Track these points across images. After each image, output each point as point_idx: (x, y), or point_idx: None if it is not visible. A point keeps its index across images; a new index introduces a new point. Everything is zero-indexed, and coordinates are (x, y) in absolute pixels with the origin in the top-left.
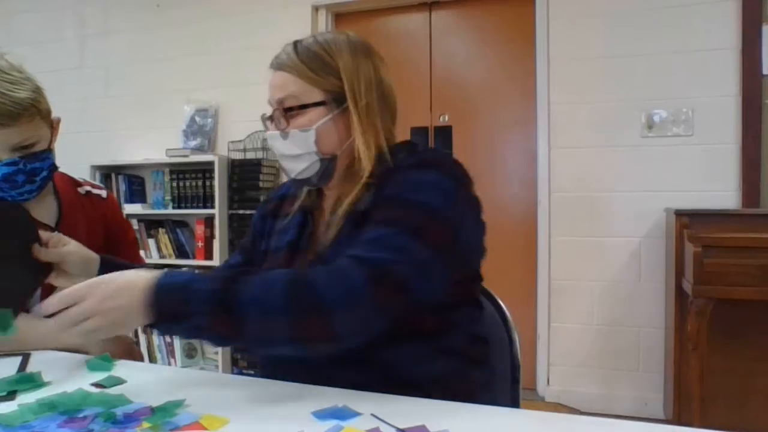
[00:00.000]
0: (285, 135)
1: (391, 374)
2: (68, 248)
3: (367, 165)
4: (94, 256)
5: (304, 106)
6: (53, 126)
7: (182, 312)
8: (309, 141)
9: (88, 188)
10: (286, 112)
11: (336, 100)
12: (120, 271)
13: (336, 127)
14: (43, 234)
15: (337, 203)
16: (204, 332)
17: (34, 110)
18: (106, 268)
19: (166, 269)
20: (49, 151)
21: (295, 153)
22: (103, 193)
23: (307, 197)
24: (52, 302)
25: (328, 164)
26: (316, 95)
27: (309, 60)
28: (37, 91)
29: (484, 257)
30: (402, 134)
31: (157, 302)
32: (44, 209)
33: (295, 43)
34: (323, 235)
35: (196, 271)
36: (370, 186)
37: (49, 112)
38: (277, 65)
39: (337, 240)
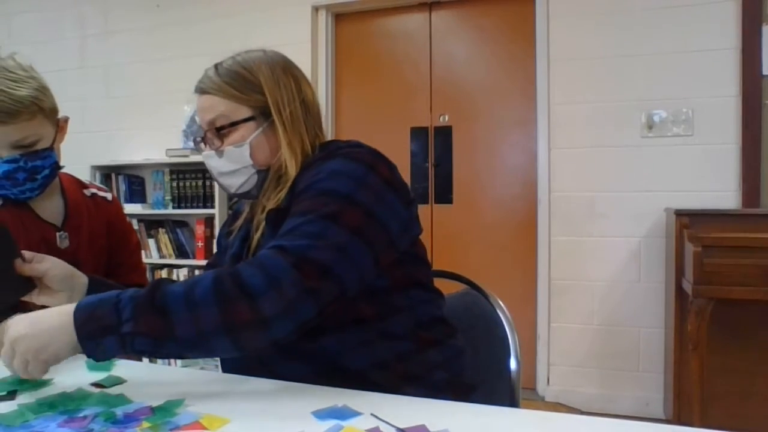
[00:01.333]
0: (220, 153)
1: (334, 364)
2: (48, 264)
3: (292, 171)
4: (78, 273)
5: (234, 124)
6: (59, 125)
7: (110, 323)
8: (244, 155)
9: (94, 191)
10: (219, 131)
11: (263, 114)
12: (41, 311)
13: (267, 139)
14: (26, 253)
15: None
16: (135, 339)
17: (36, 108)
18: (94, 287)
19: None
20: (51, 150)
21: (232, 168)
22: (108, 196)
23: (249, 211)
24: None
25: (264, 176)
26: (244, 112)
27: (231, 80)
28: (41, 89)
29: (419, 234)
30: (402, 134)
31: (84, 319)
32: (50, 208)
33: (216, 66)
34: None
35: (120, 289)
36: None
37: (54, 111)
38: (202, 89)
39: (261, 241)
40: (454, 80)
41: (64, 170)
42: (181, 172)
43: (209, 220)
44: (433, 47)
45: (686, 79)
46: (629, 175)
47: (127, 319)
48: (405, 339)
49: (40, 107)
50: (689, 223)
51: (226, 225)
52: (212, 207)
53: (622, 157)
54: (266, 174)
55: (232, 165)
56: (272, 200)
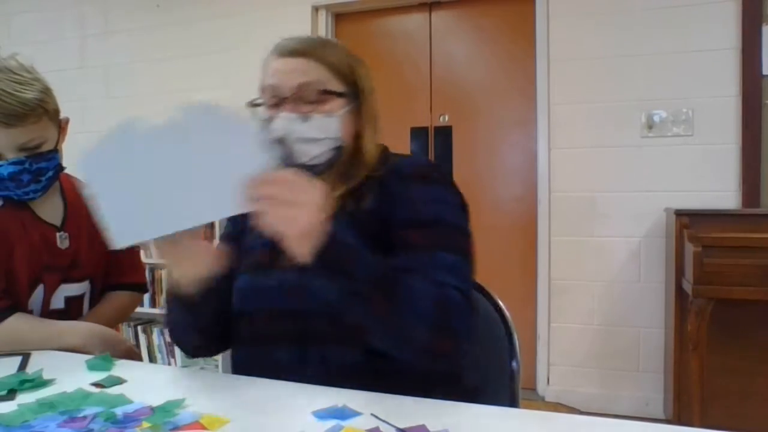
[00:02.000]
0: (306, 118)
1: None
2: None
3: (371, 162)
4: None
5: (330, 92)
6: (61, 126)
7: (350, 270)
8: (333, 126)
9: None
10: (305, 95)
11: (353, 94)
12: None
13: (350, 120)
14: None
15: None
16: (356, 298)
17: (41, 111)
18: None
19: None
20: (55, 152)
21: (317, 137)
22: None
23: None
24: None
25: (338, 156)
26: (338, 86)
27: (332, 52)
28: (46, 91)
29: None
30: (402, 134)
31: (330, 250)
32: (50, 209)
33: (311, 36)
34: None
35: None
36: (367, 184)
37: (57, 112)
38: (298, 51)
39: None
40: (454, 80)
41: (65, 170)
42: None
43: None
44: (433, 47)
45: (686, 79)
46: (629, 175)
47: (365, 281)
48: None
49: (46, 109)
50: (689, 223)
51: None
52: None
53: (622, 157)
54: (339, 154)
55: (318, 133)
56: (345, 186)
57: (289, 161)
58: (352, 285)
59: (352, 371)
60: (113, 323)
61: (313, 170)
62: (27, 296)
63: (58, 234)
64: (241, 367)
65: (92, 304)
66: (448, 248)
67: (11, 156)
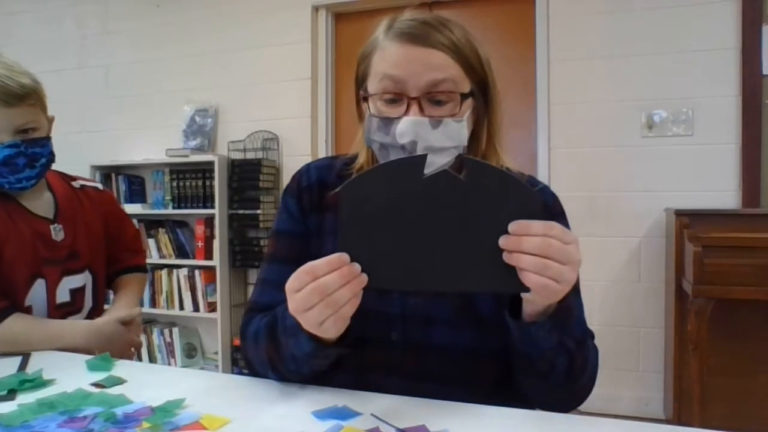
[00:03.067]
0: (436, 123)
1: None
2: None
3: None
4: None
5: (467, 96)
6: (49, 122)
7: (565, 329)
8: (462, 133)
9: (83, 182)
10: (436, 93)
11: (480, 92)
12: None
13: (476, 122)
14: None
15: None
16: (563, 352)
17: (36, 97)
18: None
19: None
20: (48, 139)
21: (446, 145)
22: (99, 186)
23: None
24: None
25: (455, 163)
26: (468, 85)
27: (464, 45)
28: (37, 82)
29: None
30: None
31: (565, 309)
32: (40, 203)
33: (444, 22)
34: None
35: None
36: None
37: (46, 106)
38: (432, 42)
39: None
40: None
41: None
42: (181, 172)
43: (209, 220)
44: None
45: (686, 79)
46: (629, 175)
47: (574, 337)
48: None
49: (39, 97)
50: (689, 223)
51: (300, 202)
52: (212, 207)
53: (622, 157)
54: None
55: (447, 141)
56: None
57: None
58: (565, 339)
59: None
60: (137, 304)
61: None
62: (24, 293)
63: (51, 226)
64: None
65: (94, 294)
66: (577, 292)
67: (7, 139)
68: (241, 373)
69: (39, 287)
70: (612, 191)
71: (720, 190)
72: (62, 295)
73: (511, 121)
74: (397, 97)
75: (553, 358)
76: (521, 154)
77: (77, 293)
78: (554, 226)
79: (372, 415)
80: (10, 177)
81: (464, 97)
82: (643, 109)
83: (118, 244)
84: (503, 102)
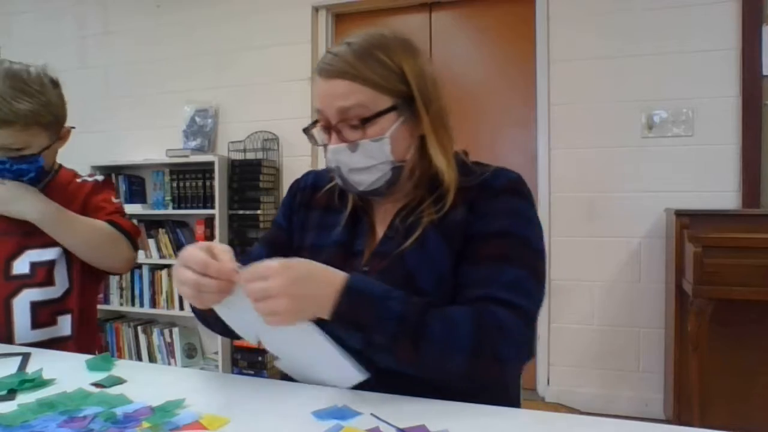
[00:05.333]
0: (354, 147)
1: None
2: None
3: (449, 171)
4: None
5: (379, 115)
6: (60, 135)
7: (367, 324)
8: (384, 150)
9: (86, 178)
10: (350, 119)
11: (405, 104)
12: (309, 261)
13: (406, 132)
14: None
15: (405, 208)
16: (378, 348)
17: (32, 122)
18: None
19: (354, 273)
20: (37, 156)
21: (367, 165)
22: (99, 178)
23: (358, 197)
24: (244, 274)
25: (398, 172)
26: (386, 101)
27: (374, 66)
28: (45, 105)
29: None
30: None
31: (344, 306)
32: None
33: (349, 45)
34: (386, 239)
35: (389, 288)
36: (446, 195)
37: (55, 123)
38: (335, 72)
39: (419, 245)
40: (453, 80)
41: (49, 174)
42: (181, 172)
43: (209, 221)
44: (433, 47)
45: (686, 79)
46: (629, 175)
47: (386, 332)
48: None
49: (37, 121)
50: (689, 223)
51: (294, 199)
52: (212, 207)
53: (622, 157)
54: (399, 170)
55: (368, 161)
56: (434, 210)
57: (349, 189)
58: (370, 337)
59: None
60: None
61: (375, 194)
62: None
63: None
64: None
65: (71, 270)
66: (512, 262)
67: None
68: (241, 373)
69: None
70: (612, 191)
71: (720, 190)
72: (20, 267)
73: (511, 121)
74: (327, 125)
75: (371, 354)
76: (521, 154)
77: (40, 267)
78: (250, 273)
79: (372, 415)
80: None
81: (381, 114)
82: (643, 109)
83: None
84: (503, 101)
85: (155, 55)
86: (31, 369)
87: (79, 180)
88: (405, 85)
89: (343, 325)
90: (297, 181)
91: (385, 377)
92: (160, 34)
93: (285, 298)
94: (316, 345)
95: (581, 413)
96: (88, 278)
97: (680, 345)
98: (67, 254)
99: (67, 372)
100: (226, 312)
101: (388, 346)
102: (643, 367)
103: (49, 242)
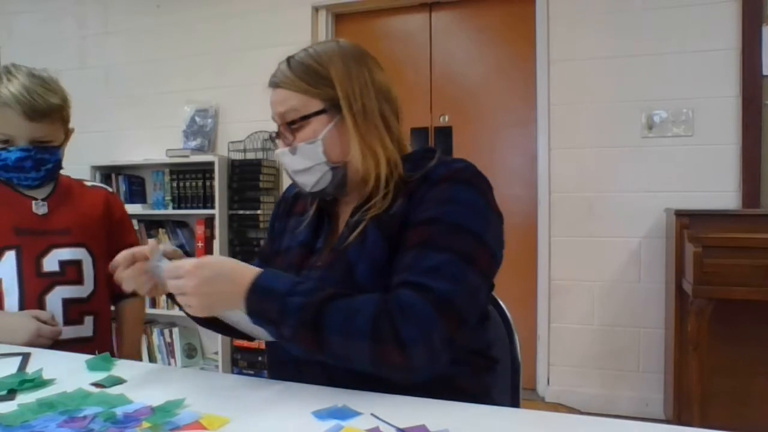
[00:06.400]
0: (293, 150)
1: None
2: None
3: (371, 168)
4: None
5: (305, 117)
6: (67, 134)
7: (273, 319)
8: (317, 152)
9: (94, 183)
10: (290, 126)
11: (335, 107)
12: (225, 259)
13: (340, 134)
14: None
15: (358, 207)
16: (288, 341)
17: (58, 116)
18: None
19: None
20: (58, 148)
21: (306, 166)
22: (108, 188)
23: (318, 201)
24: (166, 271)
25: (340, 173)
26: (315, 105)
27: (303, 73)
28: (65, 101)
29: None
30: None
31: (253, 302)
32: (38, 191)
33: (288, 59)
34: (341, 236)
35: (296, 279)
36: (396, 191)
37: (68, 120)
38: (274, 83)
39: (360, 240)
40: (454, 80)
41: (64, 172)
42: (181, 172)
43: (209, 221)
44: (433, 47)
45: (686, 79)
46: (629, 175)
47: (289, 326)
48: (465, 363)
49: (62, 116)
50: (689, 223)
51: (278, 208)
52: (212, 207)
53: (622, 157)
54: (342, 171)
55: (305, 162)
56: (372, 200)
57: (302, 191)
58: (279, 330)
59: (348, 371)
60: (138, 332)
61: (324, 194)
62: None
63: (33, 202)
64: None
65: (96, 273)
66: (438, 247)
67: (22, 144)
68: (241, 373)
69: (8, 260)
70: (612, 191)
71: (720, 190)
72: (50, 265)
73: (511, 121)
74: (278, 132)
75: (285, 345)
76: (521, 154)
77: (69, 266)
78: (169, 271)
79: (372, 415)
80: (19, 174)
81: (311, 116)
82: (643, 109)
83: (116, 243)
84: (503, 101)
85: (155, 55)
86: (31, 369)
87: (88, 184)
88: (333, 89)
89: (256, 319)
90: (284, 192)
91: (408, 386)
92: (160, 34)
93: (196, 296)
94: None
95: (581, 413)
96: (108, 284)
97: (680, 345)
98: (93, 257)
99: (67, 372)
100: (228, 315)
101: (294, 338)
102: (643, 367)
103: (75, 242)
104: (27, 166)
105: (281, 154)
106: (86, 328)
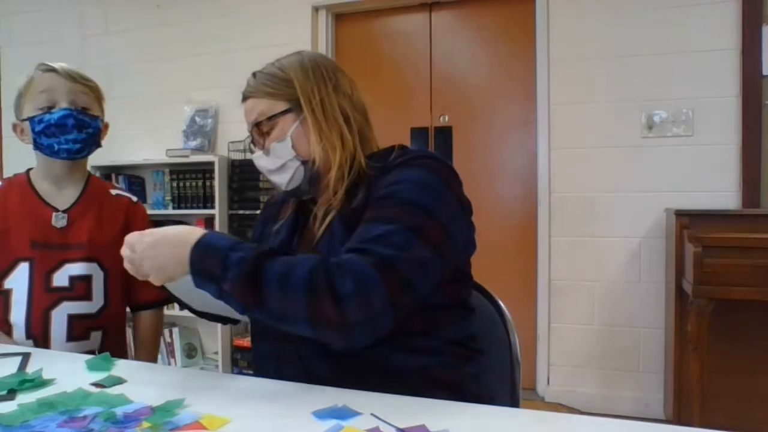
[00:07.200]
0: (267, 151)
1: (377, 366)
2: None
3: (332, 159)
4: None
5: (271, 118)
6: (104, 122)
7: (215, 274)
8: (287, 148)
9: (119, 191)
10: (260, 129)
11: (299, 106)
12: (174, 226)
13: (306, 130)
14: None
15: (328, 202)
16: (230, 298)
17: (96, 93)
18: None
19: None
20: (98, 118)
21: (278, 164)
22: (133, 198)
23: (298, 202)
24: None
25: (311, 169)
26: (281, 106)
27: (267, 80)
28: (101, 90)
29: (473, 254)
30: (402, 134)
31: (196, 259)
32: (60, 195)
33: (254, 73)
34: (313, 233)
35: (239, 240)
36: (359, 184)
37: (103, 108)
38: (244, 96)
39: (329, 236)
40: (454, 80)
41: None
42: (181, 172)
43: (209, 221)
44: (433, 47)
45: (686, 79)
46: (629, 175)
47: (228, 279)
48: (443, 354)
49: (99, 95)
50: (689, 223)
51: (264, 213)
52: (212, 207)
53: (622, 157)
54: (312, 168)
55: (278, 161)
56: (337, 198)
57: (279, 192)
58: (220, 286)
59: (326, 364)
60: (155, 343)
61: (298, 193)
62: (3, 276)
63: (54, 214)
64: (262, 360)
65: (107, 288)
66: (383, 220)
67: (64, 105)
68: (241, 373)
69: (21, 272)
70: (612, 191)
71: (720, 190)
72: (60, 280)
73: (512, 121)
74: (253, 140)
75: (226, 302)
76: (521, 154)
77: (79, 281)
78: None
79: (372, 415)
80: (60, 137)
81: (278, 116)
82: (643, 109)
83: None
84: (503, 101)
85: (155, 55)
86: (31, 369)
87: (113, 192)
88: (294, 89)
89: (198, 277)
90: (269, 198)
91: (384, 376)
92: (160, 34)
93: (146, 261)
94: None
95: (581, 413)
96: (123, 297)
97: (680, 345)
98: (104, 271)
99: (67, 372)
100: (172, 286)
101: (234, 292)
102: (643, 367)
103: (87, 257)
104: (69, 124)
105: (257, 157)
106: (92, 342)
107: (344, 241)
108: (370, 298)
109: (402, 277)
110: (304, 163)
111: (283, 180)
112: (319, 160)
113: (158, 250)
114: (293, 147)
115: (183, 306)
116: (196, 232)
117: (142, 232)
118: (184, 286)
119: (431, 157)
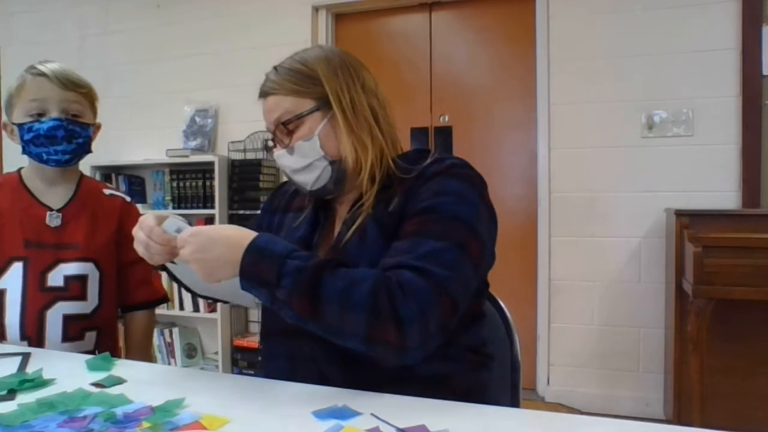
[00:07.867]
0: (291, 150)
1: (394, 373)
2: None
3: (364, 159)
4: None
5: (299, 116)
6: (96, 124)
7: (268, 280)
8: (315, 147)
9: (113, 191)
10: (286, 127)
11: (327, 104)
12: (224, 226)
13: (335, 129)
14: None
15: (356, 202)
16: (283, 307)
17: (89, 97)
18: None
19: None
20: (89, 126)
21: (305, 164)
22: (127, 198)
23: (320, 198)
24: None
25: (338, 168)
26: (308, 104)
27: (291, 76)
28: (94, 91)
29: (493, 266)
30: (402, 134)
31: (248, 263)
32: (53, 194)
33: (275, 68)
34: (340, 233)
35: (293, 245)
36: (391, 188)
37: (96, 109)
38: (265, 92)
39: (359, 238)
40: (454, 80)
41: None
42: (181, 172)
43: (209, 221)
44: (433, 47)
45: (686, 79)
46: (629, 175)
47: (284, 287)
48: (460, 360)
49: (91, 97)
50: (689, 223)
51: (272, 203)
52: (212, 207)
53: (622, 157)
54: (340, 166)
55: (304, 160)
56: (368, 194)
57: (302, 190)
58: (273, 293)
59: (341, 368)
60: (147, 343)
61: (324, 192)
62: None
63: (48, 213)
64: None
65: (102, 288)
66: (432, 235)
67: (54, 114)
68: (241, 373)
69: (15, 271)
70: (612, 191)
71: (720, 190)
72: (55, 280)
73: (512, 121)
74: (273, 138)
75: (278, 310)
76: (521, 154)
77: (74, 281)
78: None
79: (372, 415)
80: (49, 148)
81: (305, 115)
82: (643, 109)
83: (121, 256)
84: (503, 101)
85: (155, 55)
86: (31, 369)
87: (107, 192)
88: (322, 87)
89: (249, 282)
90: (281, 185)
91: (400, 384)
92: (160, 34)
93: (195, 264)
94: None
95: (581, 413)
96: (115, 298)
97: (680, 345)
98: (100, 271)
99: (67, 372)
100: (175, 268)
101: (289, 302)
102: (643, 367)
103: (83, 257)
104: (59, 135)
105: (280, 156)
106: (87, 343)
107: (377, 244)
108: (428, 322)
109: (453, 299)
110: (332, 162)
111: (308, 179)
112: (351, 159)
113: (208, 253)
114: (321, 146)
115: (183, 287)
116: (247, 234)
117: (190, 230)
118: (188, 268)
119: (467, 167)
